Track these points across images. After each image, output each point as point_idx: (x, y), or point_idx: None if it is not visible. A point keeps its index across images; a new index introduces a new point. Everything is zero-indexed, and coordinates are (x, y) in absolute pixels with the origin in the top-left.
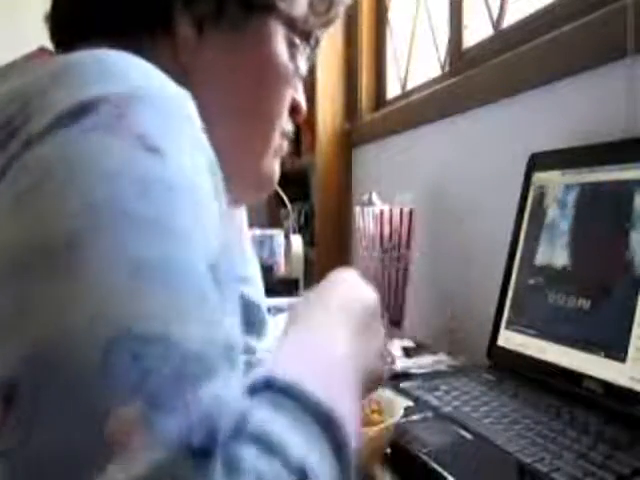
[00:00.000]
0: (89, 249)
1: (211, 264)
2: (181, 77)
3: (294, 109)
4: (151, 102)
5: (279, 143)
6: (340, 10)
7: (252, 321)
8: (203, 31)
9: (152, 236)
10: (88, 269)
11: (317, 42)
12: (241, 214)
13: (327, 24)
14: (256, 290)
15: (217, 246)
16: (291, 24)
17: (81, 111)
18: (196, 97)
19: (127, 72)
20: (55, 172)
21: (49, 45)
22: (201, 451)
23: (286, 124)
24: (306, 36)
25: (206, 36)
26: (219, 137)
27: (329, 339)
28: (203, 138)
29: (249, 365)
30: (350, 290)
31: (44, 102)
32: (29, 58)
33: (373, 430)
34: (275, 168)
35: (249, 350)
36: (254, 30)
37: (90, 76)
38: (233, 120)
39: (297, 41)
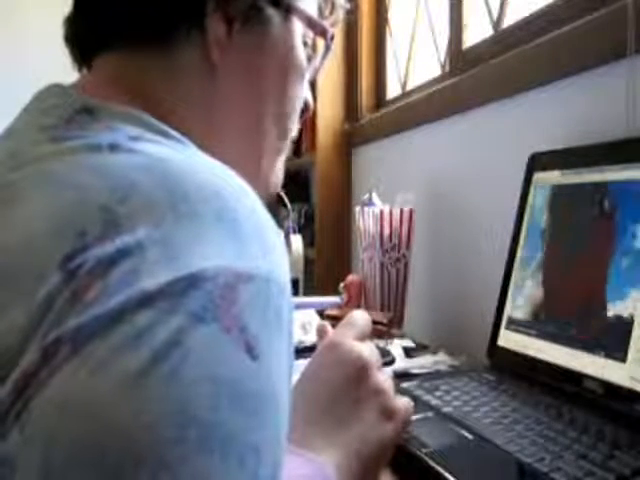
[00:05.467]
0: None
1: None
2: (211, 76)
3: (303, 107)
4: (258, 289)
5: (287, 143)
6: (340, 14)
7: None
8: (232, 30)
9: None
10: None
11: (332, 39)
12: None
13: (331, 26)
14: None
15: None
16: (311, 23)
17: (189, 286)
18: (222, 96)
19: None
20: (168, 359)
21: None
22: None
23: (296, 124)
24: (323, 35)
25: (234, 35)
26: (236, 137)
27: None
28: (290, 324)
29: None
30: (326, 371)
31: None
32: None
33: None
34: (282, 168)
35: None
36: (280, 29)
37: (214, 235)
38: (254, 117)
39: (309, 41)
